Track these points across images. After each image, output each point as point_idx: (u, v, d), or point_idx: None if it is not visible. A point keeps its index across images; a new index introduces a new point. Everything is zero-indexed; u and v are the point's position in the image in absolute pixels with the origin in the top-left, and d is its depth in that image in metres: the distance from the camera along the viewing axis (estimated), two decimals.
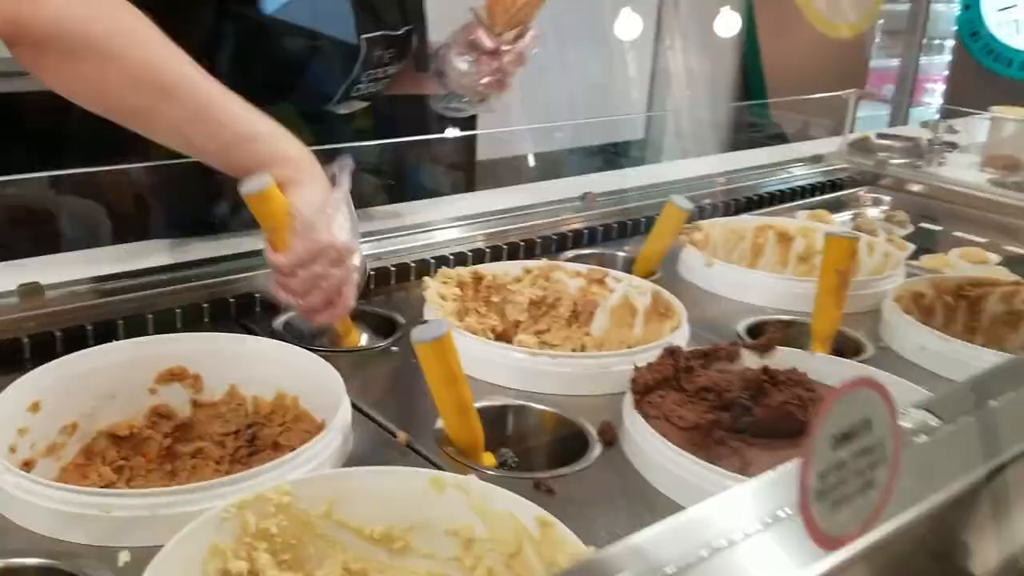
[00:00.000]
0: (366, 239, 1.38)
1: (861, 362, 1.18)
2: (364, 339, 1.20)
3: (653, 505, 0.85)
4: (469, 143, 2.92)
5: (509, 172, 2.35)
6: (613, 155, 2.29)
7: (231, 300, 1.18)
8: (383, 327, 1.22)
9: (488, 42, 1.38)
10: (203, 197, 1.29)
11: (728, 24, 4.15)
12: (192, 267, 1.20)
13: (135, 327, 1.10)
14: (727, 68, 4.76)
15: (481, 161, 3.09)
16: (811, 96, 2.19)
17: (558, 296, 1.29)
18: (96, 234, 1.36)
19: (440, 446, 0.93)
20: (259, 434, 1.03)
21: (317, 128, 1.30)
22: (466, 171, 2.98)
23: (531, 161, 2.23)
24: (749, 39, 4.68)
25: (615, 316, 1.28)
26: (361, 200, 1.69)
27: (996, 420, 0.69)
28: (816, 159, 2.04)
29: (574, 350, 1.26)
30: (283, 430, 1.01)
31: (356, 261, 1.05)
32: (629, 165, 2.16)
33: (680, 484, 0.85)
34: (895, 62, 3.47)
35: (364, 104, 1.47)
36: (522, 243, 1.48)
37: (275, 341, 1.02)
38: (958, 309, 1.35)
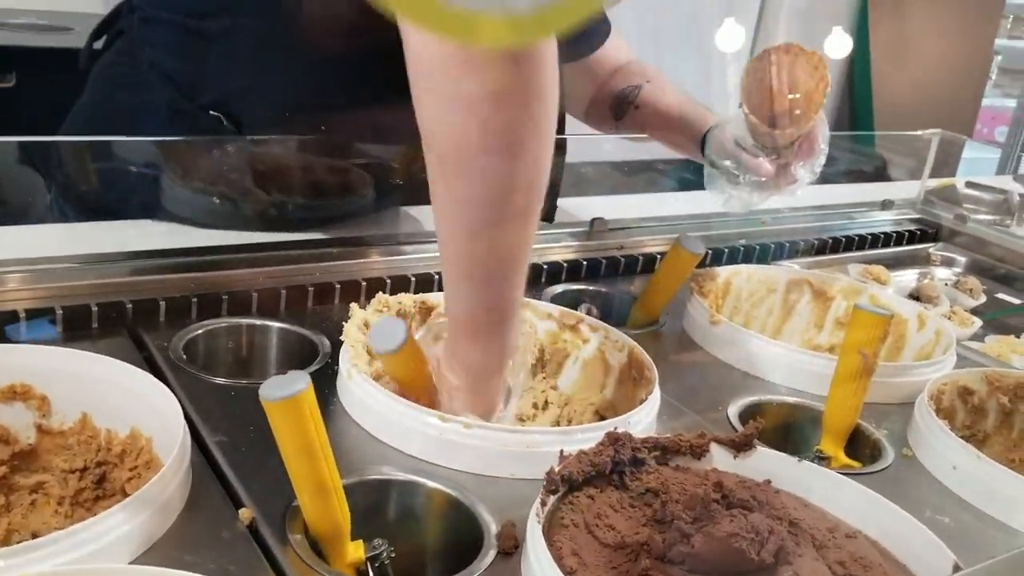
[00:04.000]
0: (321, 248, 1.20)
1: (871, 475, 0.94)
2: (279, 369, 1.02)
3: None
4: None
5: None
6: (662, 174, 2.05)
7: (128, 304, 1.00)
8: (304, 352, 1.04)
9: (768, 167, 1.22)
10: (117, 175, 1.11)
11: (838, 45, 3.87)
12: (91, 262, 1.02)
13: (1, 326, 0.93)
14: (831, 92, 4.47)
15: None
16: (890, 132, 1.91)
17: (523, 339, 1.09)
18: None
19: (291, 531, 0.74)
20: (109, 475, 0.86)
21: None
22: None
23: (577, 172, 2.00)
24: (860, 63, 4.36)
25: (587, 371, 1.07)
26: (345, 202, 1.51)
27: None
28: (887, 205, 1.77)
29: (535, 404, 1.06)
30: (132, 476, 0.83)
31: None
32: (680, 188, 1.92)
33: None
34: (1012, 103, 3.14)
35: None
36: None
37: (136, 369, 0.84)
38: (1015, 415, 1.08)
